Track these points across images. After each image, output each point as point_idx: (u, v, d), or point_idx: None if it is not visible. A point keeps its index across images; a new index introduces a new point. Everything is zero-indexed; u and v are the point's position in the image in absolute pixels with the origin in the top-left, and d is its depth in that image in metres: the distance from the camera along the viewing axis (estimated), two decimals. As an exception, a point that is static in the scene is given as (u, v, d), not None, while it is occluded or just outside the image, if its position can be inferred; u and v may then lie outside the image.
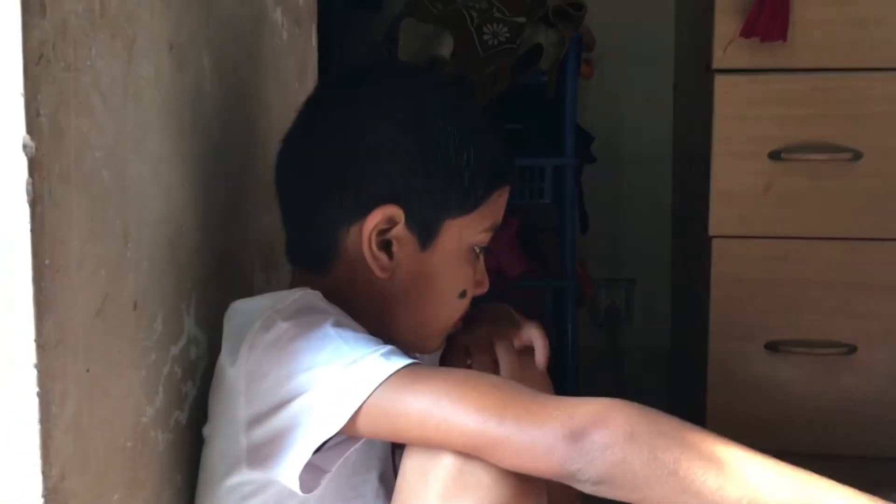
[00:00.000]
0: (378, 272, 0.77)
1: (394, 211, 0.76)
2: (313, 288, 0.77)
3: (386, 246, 0.77)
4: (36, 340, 0.55)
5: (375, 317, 0.80)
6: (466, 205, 0.78)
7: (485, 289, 0.84)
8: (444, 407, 0.65)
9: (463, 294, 0.81)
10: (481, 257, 0.83)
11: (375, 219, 0.76)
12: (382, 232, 0.77)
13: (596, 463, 0.61)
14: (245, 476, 0.71)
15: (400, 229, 0.77)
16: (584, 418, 0.62)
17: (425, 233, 0.78)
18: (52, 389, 0.56)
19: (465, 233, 0.79)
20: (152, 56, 0.69)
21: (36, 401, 0.55)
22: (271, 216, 0.99)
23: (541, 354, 0.87)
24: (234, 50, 0.86)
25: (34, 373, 0.55)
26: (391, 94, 0.78)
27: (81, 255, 0.59)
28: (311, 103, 0.83)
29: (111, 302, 0.63)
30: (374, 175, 0.76)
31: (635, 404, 0.64)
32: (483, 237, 0.81)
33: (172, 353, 0.74)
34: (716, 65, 1.35)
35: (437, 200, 0.77)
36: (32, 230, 0.54)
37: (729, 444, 0.63)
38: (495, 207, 0.81)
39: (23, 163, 0.53)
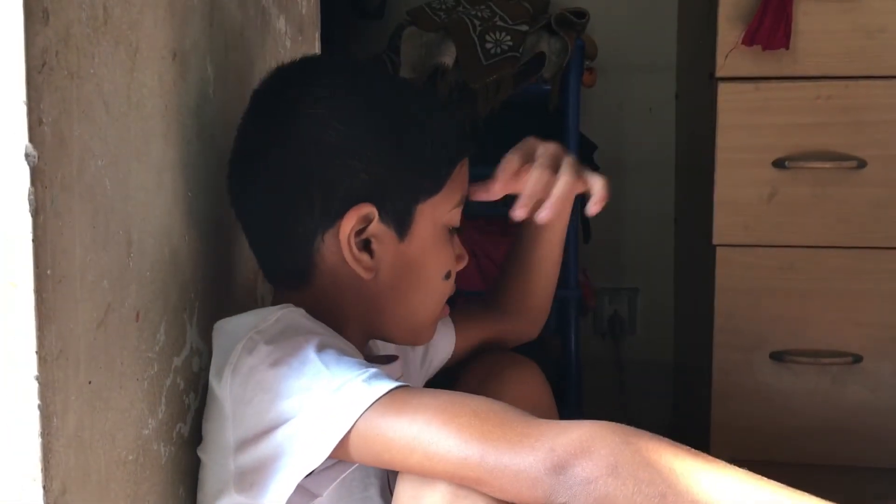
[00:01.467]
0: (363, 273, 0.76)
1: (367, 209, 0.75)
2: (296, 304, 0.75)
3: (365, 245, 0.76)
4: (37, 352, 0.54)
5: (365, 320, 0.79)
6: (434, 186, 0.77)
7: (465, 261, 0.83)
8: (425, 440, 0.63)
9: (448, 275, 0.81)
10: (455, 235, 0.82)
11: (351, 221, 0.74)
12: (359, 232, 0.75)
13: (579, 498, 0.59)
14: (234, 499, 0.70)
15: (376, 226, 0.76)
16: (566, 450, 0.60)
17: (401, 223, 0.77)
18: (53, 402, 0.55)
19: (438, 213, 0.78)
20: (155, 64, 0.68)
21: (37, 413, 0.54)
22: (274, 225, 0.98)
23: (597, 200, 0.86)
24: (238, 58, 0.86)
25: (35, 385, 0.54)
26: (335, 90, 0.76)
27: (84, 265, 0.58)
28: (253, 115, 0.79)
29: (113, 312, 0.62)
30: (340, 176, 0.74)
31: (622, 429, 0.61)
32: (454, 214, 0.80)
33: (175, 364, 0.73)
34: (719, 73, 1.35)
35: (406, 188, 0.76)
36: (34, 239, 0.53)
37: (719, 469, 0.60)
38: (460, 181, 0.80)
39: (25, 172, 0.53)
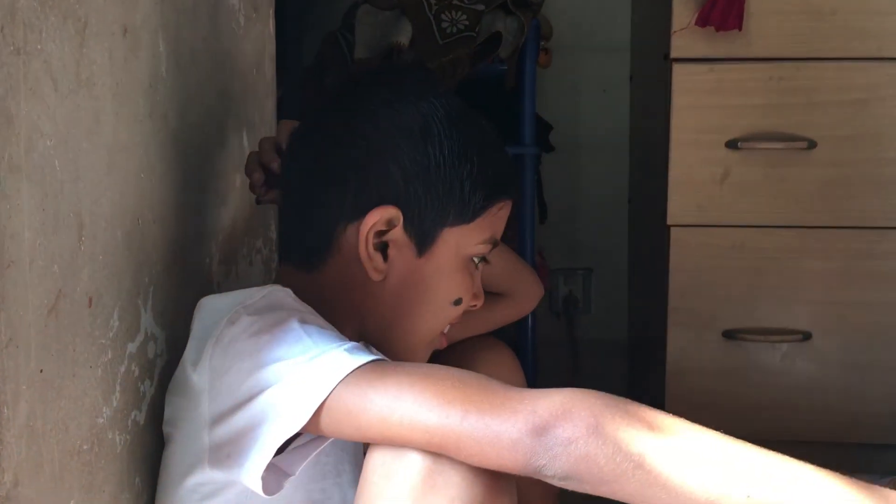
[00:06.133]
0: (372, 273, 0.77)
1: (393, 213, 0.76)
2: (302, 287, 0.76)
3: (382, 248, 0.78)
4: (-14, 340, 0.52)
5: (360, 320, 0.80)
6: (465, 215, 0.79)
7: (480, 302, 0.84)
8: (406, 403, 0.63)
9: (458, 302, 0.81)
10: (479, 269, 0.83)
11: (374, 218, 0.76)
12: (381, 234, 0.77)
13: (560, 458, 0.59)
14: (206, 476, 0.69)
15: (398, 232, 0.77)
16: (548, 412, 0.60)
17: (422, 239, 0.78)
18: (3, 391, 0.53)
19: (463, 243, 0.79)
20: (105, 40, 0.66)
21: (-14, 404, 0.52)
22: (228, 208, 0.96)
23: None
24: (191, 35, 0.83)
25: (-16, 375, 0.52)
26: (400, 97, 0.79)
27: (33, 250, 0.56)
28: (325, 102, 0.84)
29: (65, 298, 0.60)
30: (377, 175, 0.77)
31: (601, 394, 0.62)
32: (481, 249, 0.81)
33: (129, 350, 0.71)
34: (673, 54, 1.36)
35: (437, 208, 0.77)
36: (-19, 223, 0.51)
37: (699, 430, 0.61)
38: (495, 220, 0.81)
39: (-30, 152, 0.50)
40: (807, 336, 1.37)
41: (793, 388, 1.39)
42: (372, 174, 0.77)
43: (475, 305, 0.83)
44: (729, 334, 1.39)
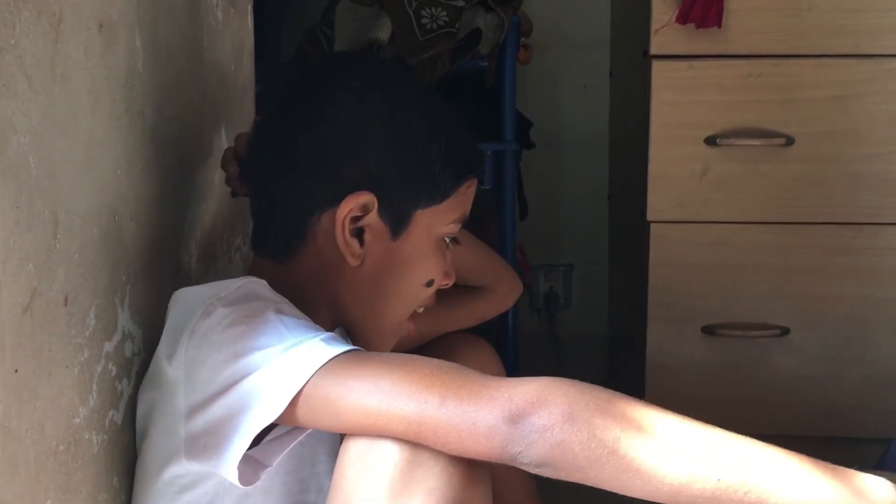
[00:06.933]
0: (350, 259, 0.78)
1: (367, 198, 0.77)
2: (276, 277, 0.76)
3: (358, 234, 0.78)
4: (-41, 340, 0.51)
5: (336, 307, 0.80)
6: (436, 196, 0.79)
7: (452, 280, 0.85)
8: (384, 390, 0.63)
9: (429, 283, 0.82)
10: (450, 249, 0.84)
11: (349, 205, 0.76)
12: (355, 220, 0.77)
13: (535, 445, 0.60)
14: (183, 468, 0.69)
15: (373, 217, 0.77)
16: (523, 399, 0.61)
17: (397, 222, 0.78)
18: (-23, 392, 0.53)
19: (435, 223, 0.80)
20: (81, 35, 0.65)
21: (-40, 405, 0.51)
22: (207, 204, 0.95)
23: None
24: (167, 30, 0.83)
25: (-42, 375, 0.51)
26: (368, 84, 0.79)
27: (7, 248, 0.55)
28: (288, 91, 0.83)
29: (40, 297, 0.60)
30: (349, 163, 0.77)
31: (576, 382, 0.63)
32: (452, 228, 0.82)
33: (106, 349, 0.70)
34: (653, 51, 1.36)
35: (409, 190, 0.78)
36: (-47, 222, 0.50)
37: (670, 417, 0.62)
38: (464, 199, 0.82)
39: (-59, 149, 0.49)
40: (785, 331, 1.38)
41: (771, 383, 1.40)
42: (343, 161, 0.77)
43: (447, 284, 0.84)
44: (708, 329, 1.39)
